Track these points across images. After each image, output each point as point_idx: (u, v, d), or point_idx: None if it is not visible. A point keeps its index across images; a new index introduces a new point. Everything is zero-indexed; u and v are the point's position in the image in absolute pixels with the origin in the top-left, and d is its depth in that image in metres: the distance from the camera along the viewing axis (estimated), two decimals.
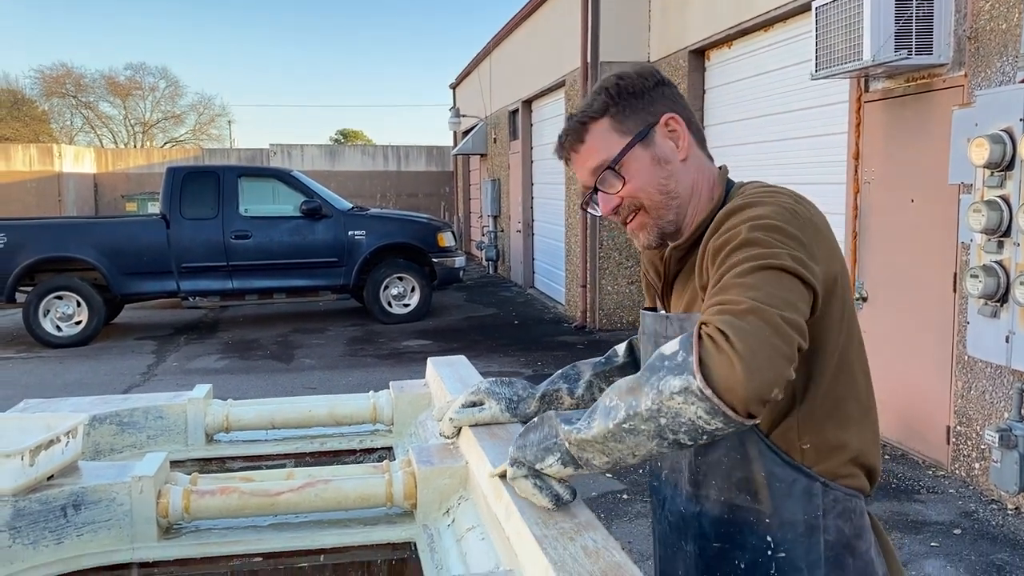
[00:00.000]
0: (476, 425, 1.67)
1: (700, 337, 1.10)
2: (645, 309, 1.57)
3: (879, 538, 1.41)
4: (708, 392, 1.06)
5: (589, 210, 1.50)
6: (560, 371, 1.72)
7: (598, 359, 1.72)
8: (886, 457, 5.13)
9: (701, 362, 1.07)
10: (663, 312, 1.50)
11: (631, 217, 1.43)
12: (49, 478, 1.58)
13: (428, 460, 1.70)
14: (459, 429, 1.72)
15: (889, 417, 5.23)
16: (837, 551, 1.32)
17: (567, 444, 1.24)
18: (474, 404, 1.68)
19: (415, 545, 1.67)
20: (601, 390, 1.67)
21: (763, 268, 1.16)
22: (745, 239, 1.21)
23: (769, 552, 1.32)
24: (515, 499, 1.33)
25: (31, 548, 1.51)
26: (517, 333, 9.92)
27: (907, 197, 5.17)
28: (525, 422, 1.68)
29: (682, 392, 1.08)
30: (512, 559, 1.27)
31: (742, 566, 1.35)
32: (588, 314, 9.88)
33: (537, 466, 1.28)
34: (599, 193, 1.43)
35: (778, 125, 6.72)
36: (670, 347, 1.14)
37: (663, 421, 1.11)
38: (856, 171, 5.63)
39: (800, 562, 1.31)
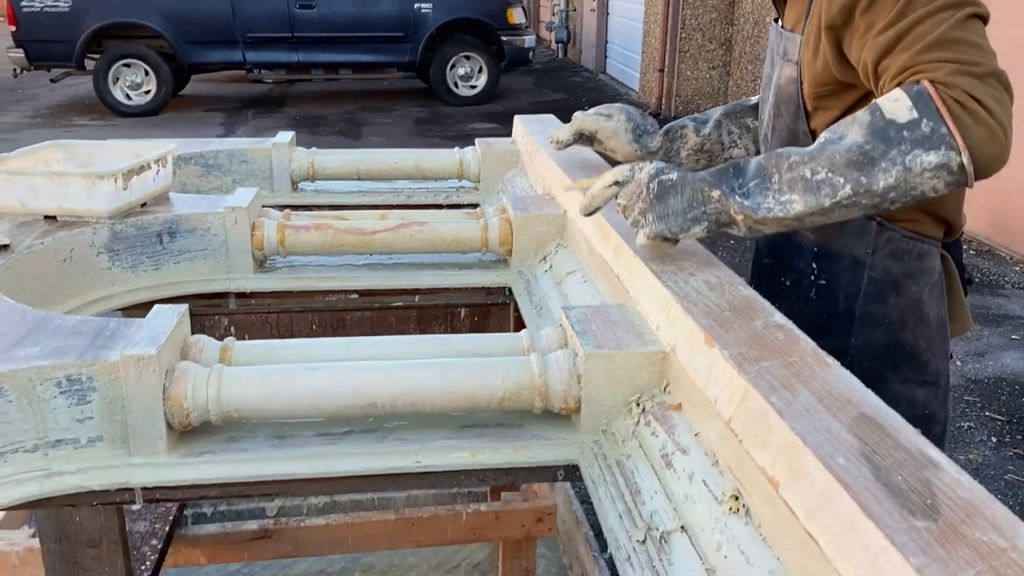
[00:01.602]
0: (595, 137, 1.62)
1: (944, 102, 0.99)
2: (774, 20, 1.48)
3: (948, 283, 1.37)
4: (971, 169, 0.99)
5: None
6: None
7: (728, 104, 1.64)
8: (971, 252, 4.96)
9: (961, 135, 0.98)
10: (780, 25, 1.37)
11: None
12: (142, 206, 1.56)
13: (524, 207, 1.63)
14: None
15: (978, 212, 5.00)
16: (880, 287, 1.31)
17: (738, 218, 1.09)
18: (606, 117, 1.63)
19: (510, 290, 1.64)
20: (730, 132, 1.57)
21: (968, 17, 1.05)
22: None
23: (812, 276, 1.35)
24: (625, 238, 1.26)
25: (130, 272, 1.51)
26: None
27: None
28: (645, 156, 1.59)
29: (937, 168, 0.99)
30: (622, 296, 1.21)
31: (787, 283, 1.40)
32: (664, 101, 9.48)
33: (680, 236, 1.14)
34: None
35: None
36: (901, 112, 1.01)
37: (894, 195, 1.02)
38: None
39: (838, 292, 1.32)
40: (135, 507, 2.12)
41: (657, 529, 0.85)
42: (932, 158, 0.99)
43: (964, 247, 5.16)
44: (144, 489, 0.99)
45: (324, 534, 2.27)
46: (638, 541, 0.85)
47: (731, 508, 0.79)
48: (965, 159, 0.98)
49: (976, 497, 0.63)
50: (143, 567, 1.97)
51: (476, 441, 1.04)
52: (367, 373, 1.01)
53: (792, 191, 1.06)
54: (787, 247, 1.39)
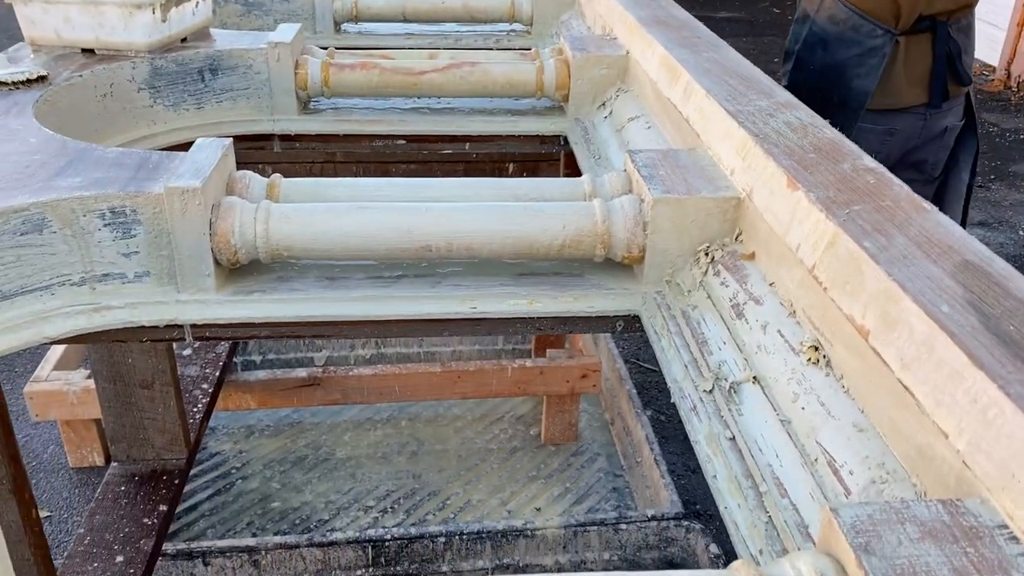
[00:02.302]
0: None
1: None
2: None
3: (891, 64, 1.80)
4: None
5: None
6: None
7: None
8: None
9: None
10: None
11: None
12: (183, 41, 1.49)
13: (583, 47, 1.52)
14: None
15: None
16: (814, 40, 1.88)
17: None
18: None
19: (565, 139, 1.55)
20: None
21: None
22: None
23: (791, 36, 2.01)
24: (697, 78, 1.16)
25: (172, 111, 1.46)
26: None
27: None
28: None
29: None
30: (692, 141, 1.13)
31: (796, 46, 2.01)
32: None
33: None
34: None
35: None
36: None
37: None
38: None
39: (794, 39, 1.97)
40: (186, 351, 2.16)
41: (726, 379, 0.81)
42: None
43: None
44: (193, 327, 0.96)
45: (372, 383, 2.30)
46: (705, 391, 0.81)
47: (810, 359, 0.74)
48: None
49: None
50: (195, 409, 2.02)
51: (534, 289, 1.00)
52: (421, 214, 0.96)
53: None
54: (799, 24, 1.96)
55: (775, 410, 0.74)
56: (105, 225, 0.92)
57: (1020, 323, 0.60)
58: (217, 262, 0.95)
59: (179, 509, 2.25)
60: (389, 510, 2.26)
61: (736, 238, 0.95)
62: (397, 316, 0.97)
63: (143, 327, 0.94)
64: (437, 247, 0.96)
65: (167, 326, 0.95)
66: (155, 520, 1.73)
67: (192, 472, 2.36)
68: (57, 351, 2.31)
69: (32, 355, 2.67)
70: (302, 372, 2.29)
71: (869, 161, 0.89)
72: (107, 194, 0.91)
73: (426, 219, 0.95)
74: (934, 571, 0.47)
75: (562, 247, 0.97)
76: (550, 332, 1.01)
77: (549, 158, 2.23)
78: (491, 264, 1.03)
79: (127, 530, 1.69)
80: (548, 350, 2.44)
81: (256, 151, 1.56)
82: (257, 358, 2.77)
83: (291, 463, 2.42)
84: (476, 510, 2.26)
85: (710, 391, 0.81)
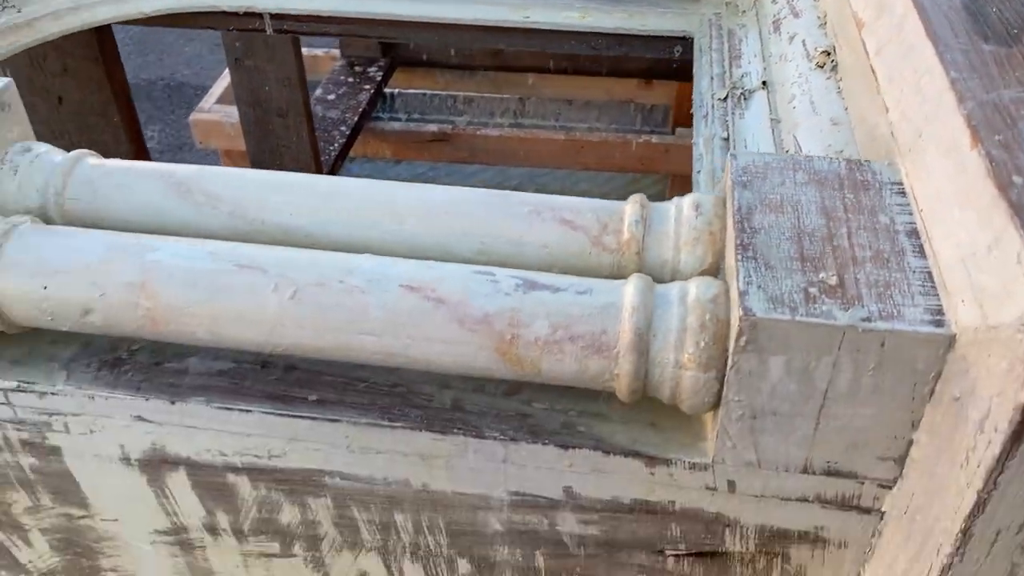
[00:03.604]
0: None
1: None
2: None
3: None
4: None
5: None
6: None
7: None
8: None
9: None
10: None
11: None
12: None
13: None
14: None
15: None
16: None
17: None
18: None
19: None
20: None
21: None
22: None
23: None
24: None
25: None
26: None
27: None
28: None
29: None
30: None
31: None
32: None
33: None
34: None
35: None
36: None
37: None
38: None
39: None
40: (331, 95, 2.29)
41: (742, 88, 0.80)
42: None
43: None
44: (272, 17, 1.04)
45: (497, 144, 2.37)
46: (719, 99, 0.81)
47: (818, 63, 0.72)
48: None
49: None
50: (331, 148, 2.18)
51: (589, 2, 0.99)
52: None
53: None
54: None
55: (770, 111, 0.73)
56: None
57: (1008, 6, 0.56)
58: None
59: None
60: None
61: None
62: (454, 19, 1.01)
63: (224, 12, 1.03)
64: None
65: (246, 13, 1.04)
66: None
67: None
68: (220, 86, 2.51)
69: (200, 94, 2.92)
70: (432, 127, 2.39)
71: None
72: None
73: None
74: (802, 206, 0.48)
75: None
76: (605, 51, 1.01)
77: None
78: None
79: None
80: (678, 129, 2.40)
81: None
82: (403, 116, 2.89)
83: None
84: None
85: (724, 99, 0.81)
